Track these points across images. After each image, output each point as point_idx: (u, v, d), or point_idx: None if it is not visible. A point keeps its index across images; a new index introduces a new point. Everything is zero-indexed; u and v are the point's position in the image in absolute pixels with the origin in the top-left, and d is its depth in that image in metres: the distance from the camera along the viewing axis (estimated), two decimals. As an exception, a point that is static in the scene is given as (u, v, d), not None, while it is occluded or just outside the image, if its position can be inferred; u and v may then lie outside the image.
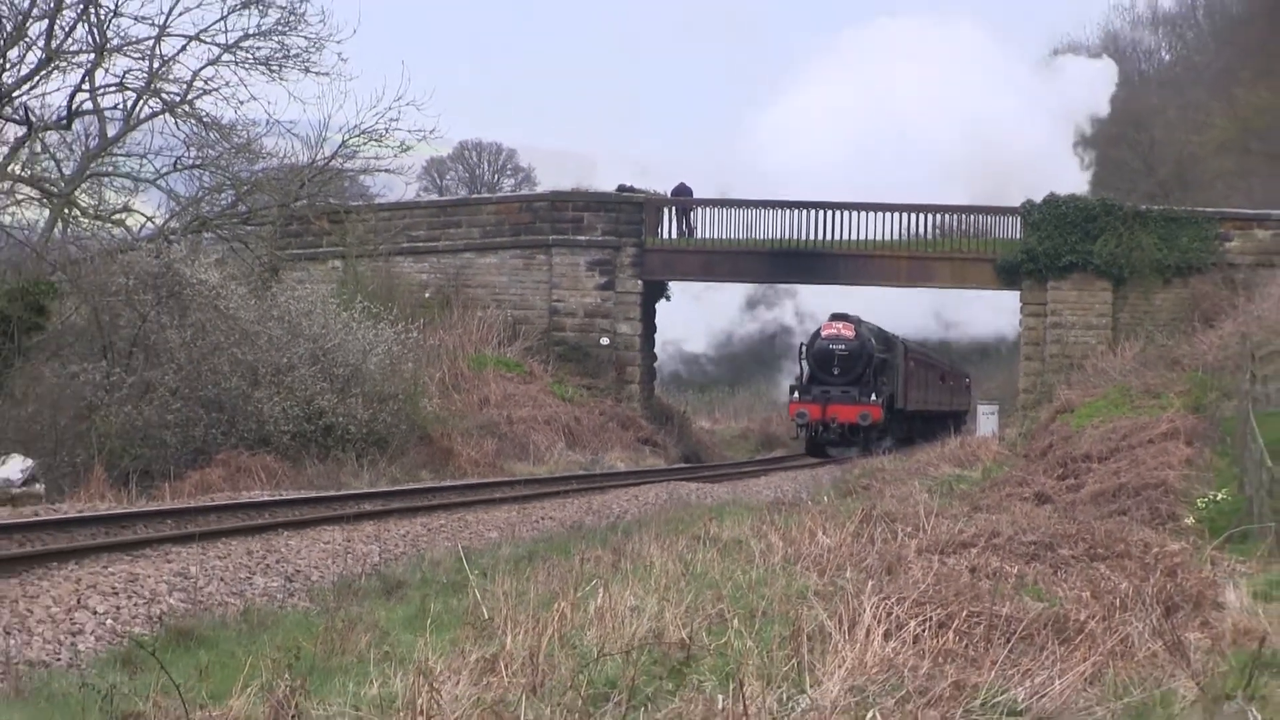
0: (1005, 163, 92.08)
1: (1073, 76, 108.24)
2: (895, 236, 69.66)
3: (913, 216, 69.97)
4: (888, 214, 69.47)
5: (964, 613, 12.97)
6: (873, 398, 74.87)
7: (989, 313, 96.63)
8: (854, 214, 69.21)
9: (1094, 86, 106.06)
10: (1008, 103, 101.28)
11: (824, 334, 76.46)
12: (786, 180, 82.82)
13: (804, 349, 78.31)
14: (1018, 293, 68.68)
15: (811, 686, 10.92)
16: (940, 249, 69.52)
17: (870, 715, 9.98)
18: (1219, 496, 33.72)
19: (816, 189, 75.40)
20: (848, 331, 75.47)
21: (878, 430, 75.55)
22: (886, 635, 12.06)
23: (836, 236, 69.19)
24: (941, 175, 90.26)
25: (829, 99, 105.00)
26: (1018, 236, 67.65)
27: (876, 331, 79.26)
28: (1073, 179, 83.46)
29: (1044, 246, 66.51)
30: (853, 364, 74.96)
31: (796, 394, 76.76)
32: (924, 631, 12.32)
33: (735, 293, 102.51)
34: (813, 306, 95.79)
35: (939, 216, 70.63)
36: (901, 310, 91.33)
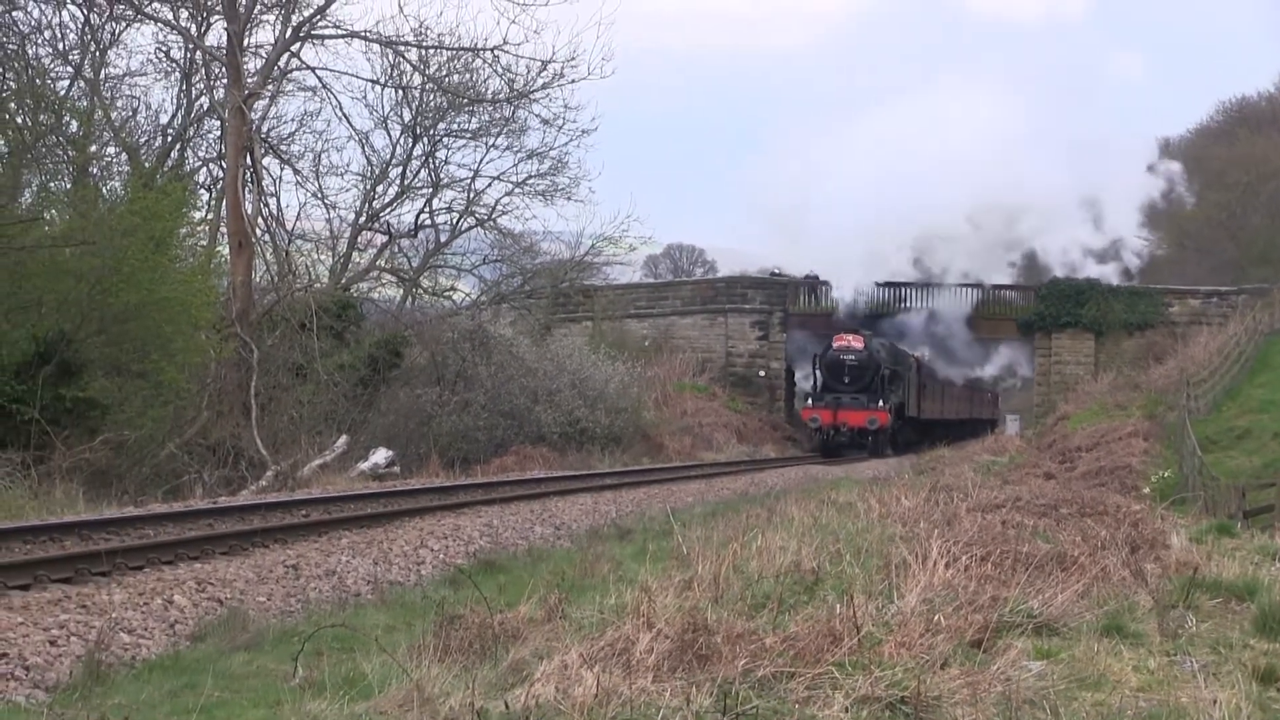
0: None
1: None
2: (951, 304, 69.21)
3: (964, 290, 69.29)
4: (946, 289, 69.32)
5: (998, 551, 12.81)
6: (880, 404, 60.94)
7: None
8: (923, 289, 69.60)
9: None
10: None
11: (835, 345, 61.74)
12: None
13: (817, 360, 63.15)
14: (1032, 341, 67.98)
15: (898, 599, 10.83)
16: (982, 312, 68.74)
17: (936, 617, 9.87)
18: (1165, 475, 33.45)
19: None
20: (857, 343, 61.33)
21: (885, 434, 62.13)
22: (947, 565, 11.93)
23: (912, 304, 69.49)
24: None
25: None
26: (1033, 304, 67.07)
27: (887, 346, 64.95)
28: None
29: (1050, 311, 65.87)
30: (862, 373, 60.89)
31: (810, 400, 63.37)
32: (972, 563, 12.19)
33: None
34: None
35: (982, 290, 69.82)
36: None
